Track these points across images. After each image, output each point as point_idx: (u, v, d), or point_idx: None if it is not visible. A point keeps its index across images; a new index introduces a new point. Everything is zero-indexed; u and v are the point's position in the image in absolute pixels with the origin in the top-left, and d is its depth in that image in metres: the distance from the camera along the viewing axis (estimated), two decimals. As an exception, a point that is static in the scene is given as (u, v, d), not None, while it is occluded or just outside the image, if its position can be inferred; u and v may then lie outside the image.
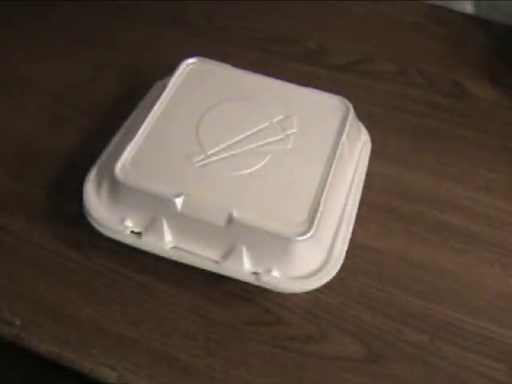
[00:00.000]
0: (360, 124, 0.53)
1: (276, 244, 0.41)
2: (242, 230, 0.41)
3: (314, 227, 0.41)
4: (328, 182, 0.44)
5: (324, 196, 0.43)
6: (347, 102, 0.50)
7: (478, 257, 0.49)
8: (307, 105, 0.50)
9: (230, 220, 0.41)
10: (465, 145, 0.58)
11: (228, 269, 0.41)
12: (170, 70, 0.52)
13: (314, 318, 0.44)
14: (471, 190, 0.54)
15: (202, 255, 0.42)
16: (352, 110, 0.49)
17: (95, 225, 0.44)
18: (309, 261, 0.42)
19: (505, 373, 0.42)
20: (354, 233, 0.49)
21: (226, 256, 0.42)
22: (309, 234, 0.40)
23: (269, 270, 0.41)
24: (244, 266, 0.41)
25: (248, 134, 0.47)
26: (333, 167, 0.45)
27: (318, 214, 0.41)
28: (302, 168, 0.45)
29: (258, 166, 0.45)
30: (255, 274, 0.41)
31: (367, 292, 0.46)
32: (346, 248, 0.44)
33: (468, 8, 0.74)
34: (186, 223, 0.42)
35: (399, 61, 0.67)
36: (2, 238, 0.48)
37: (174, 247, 0.43)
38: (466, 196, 0.53)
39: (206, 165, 0.45)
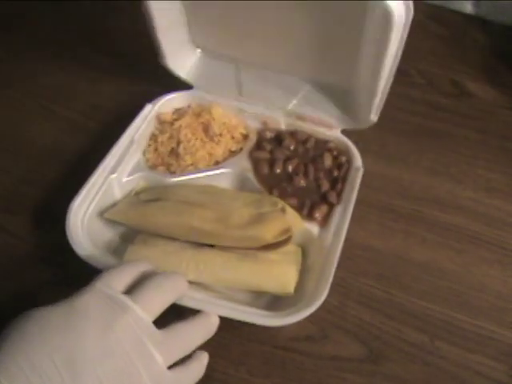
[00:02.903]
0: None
1: None
2: None
3: None
4: None
5: None
6: None
7: (477, 257, 0.49)
8: None
9: None
10: (465, 145, 0.58)
11: None
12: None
13: (314, 318, 0.44)
14: (471, 190, 0.54)
15: None
16: None
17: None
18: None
19: (505, 373, 0.42)
20: (354, 233, 0.49)
21: None
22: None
23: None
24: None
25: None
26: None
27: None
28: None
29: None
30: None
31: (367, 292, 0.46)
32: None
33: (468, 8, 0.74)
34: None
35: (399, 61, 0.67)
36: (2, 238, 0.48)
37: None
38: (466, 196, 0.53)
39: None
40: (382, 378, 0.42)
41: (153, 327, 0.34)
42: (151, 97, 0.55)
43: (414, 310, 0.45)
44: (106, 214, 0.47)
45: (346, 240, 0.49)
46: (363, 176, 0.54)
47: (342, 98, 0.55)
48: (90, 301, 0.33)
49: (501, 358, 0.43)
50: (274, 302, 0.44)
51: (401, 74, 0.65)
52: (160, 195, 0.47)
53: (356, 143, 0.53)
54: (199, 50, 0.59)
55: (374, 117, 0.51)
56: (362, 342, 0.43)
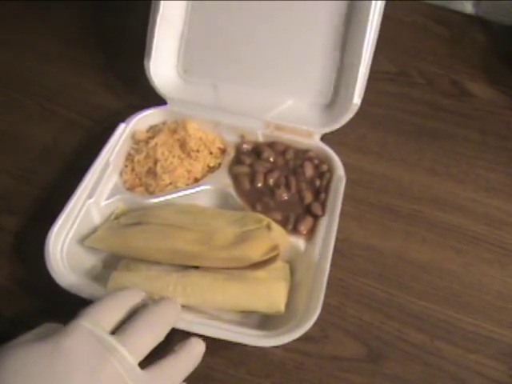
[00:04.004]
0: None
1: None
2: None
3: None
4: None
5: None
6: None
7: (477, 257, 0.49)
8: None
9: None
10: (465, 145, 0.58)
11: None
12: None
13: (314, 318, 0.44)
14: (471, 190, 0.54)
15: None
16: None
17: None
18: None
19: (505, 373, 0.42)
20: (354, 233, 0.49)
21: None
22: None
23: None
24: None
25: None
26: None
27: None
28: None
29: None
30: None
31: (367, 292, 0.46)
32: None
33: (468, 8, 0.74)
34: None
35: (399, 61, 0.67)
36: (2, 238, 0.48)
37: None
38: (466, 196, 0.53)
39: None
40: (382, 377, 0.42)
41: (138, 369, 0.32)
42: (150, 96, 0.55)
43: (414, 310, 0.45)
44: (85, 242, 0.45)
45: (346, 240, 0.49)
46: (363, 176, 0.54)
47: (322, 99, 0.55)
48: (75, 343, 0.31)
49: (501, 358, 0.43)
50: (266, 319, 0.43)
51: (401, 73, 0.66)
52: (140, 218, 0.46)
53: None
54: (181, 70, 0.57)
55: (357, 100, 0.51)
56: (362, 342, 0.43)
